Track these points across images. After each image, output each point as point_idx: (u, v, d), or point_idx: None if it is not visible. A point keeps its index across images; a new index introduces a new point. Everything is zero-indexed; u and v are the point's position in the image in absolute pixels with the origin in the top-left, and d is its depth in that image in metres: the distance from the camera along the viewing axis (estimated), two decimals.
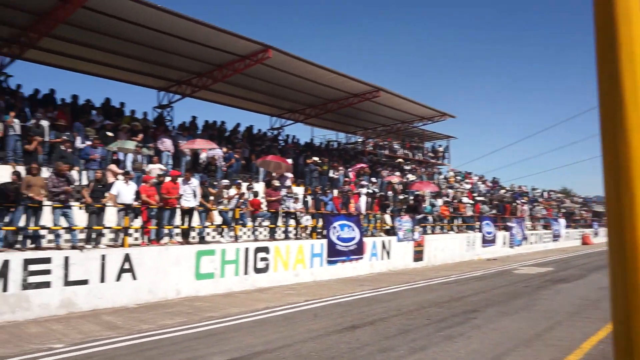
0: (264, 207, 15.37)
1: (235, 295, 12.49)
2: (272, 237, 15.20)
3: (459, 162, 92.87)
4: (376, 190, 22.34)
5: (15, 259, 9.27)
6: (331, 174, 23.14)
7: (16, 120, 13.85)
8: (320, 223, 16.45)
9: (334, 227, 16.30)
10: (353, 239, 16.98)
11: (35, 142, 13.24)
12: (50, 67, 19.83)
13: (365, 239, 17.57)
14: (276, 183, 16.12)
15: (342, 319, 9.67)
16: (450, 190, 29.68)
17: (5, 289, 9.09)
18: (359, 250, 17.17)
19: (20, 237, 10.25)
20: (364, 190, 20.26)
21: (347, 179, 23.01)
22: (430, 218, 22.76)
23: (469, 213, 26.02)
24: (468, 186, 34.16)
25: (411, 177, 28.93)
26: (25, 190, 9.98)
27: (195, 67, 20.48)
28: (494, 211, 28.84)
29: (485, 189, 36.29)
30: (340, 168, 24.02)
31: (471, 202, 27.40)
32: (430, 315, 10.00)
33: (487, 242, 25.53)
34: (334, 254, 16.16)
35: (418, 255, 20.24)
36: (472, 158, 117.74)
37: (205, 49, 18.52)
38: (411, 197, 22.73)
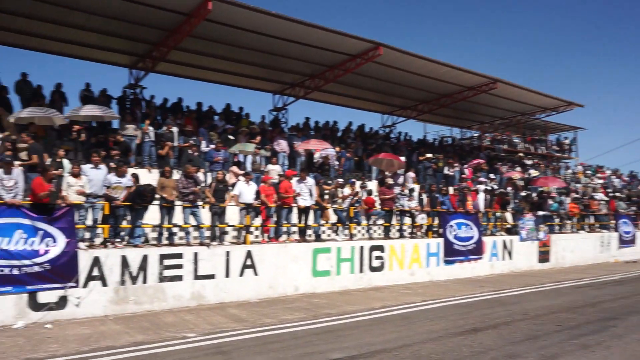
0: (378, 205, 15.29)
1: (351, 293, 12.55)
2: (386, 235, 15.07)
3: (589, 155, 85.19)
4: (495, 187, 21.23)
5: (153, 253, 10.16)
6: (446, 170, 22.42)
7: (150, 128, 15.23)
8: (436, 221, 15.98)
9: (451, 226, 15.75)
10: (471, 238, 16.27)
11: (167, 147, 14.42)
12: (177, 77, 21.50)
13: (484, 238, 16.76)
14: (389, 181, 15.95)
15: (462, 321, 9.29)
16: (578, 186, 27.29)
17: (145, 281, 9.99)
18: (477, 250, 16.42)
19: (156, 234, 11.22)
20: (482, 187, 19.34)
21: (463, 175, 22.16)
22: (557, 216, 21.10)
23: (604, 211, 23.68)
24: (600, 181, 31.19)
25: (534, 172, 27.05)
26: (159, 192, 10.89)
27: (308, 69, 20.98)
28: (633, 208, 25.99)
29: (622, 183, 32.81)
30: (456, 164, 23.19)
31: (605, 198, 24.93)
32: (562, 321, 9.23)
33: (625, 242, 23.06)
34: (451, 253, 15.61)
35: (544, 256, 18.86)
36: (603, 150, 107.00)
37: (317, 50, 18.90)
38: (534, 194, 21.25)
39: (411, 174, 19.86)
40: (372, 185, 17.79)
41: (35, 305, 8.86)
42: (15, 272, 8.71)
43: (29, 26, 16.05)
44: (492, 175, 23.62)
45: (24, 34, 16.58)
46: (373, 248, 13.75)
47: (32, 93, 15.31)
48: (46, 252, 9.04)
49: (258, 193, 12.41)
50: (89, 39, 17.23)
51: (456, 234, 15.83)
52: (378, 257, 13.81)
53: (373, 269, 13.67)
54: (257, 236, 13.14)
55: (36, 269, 8.89)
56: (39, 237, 9.01)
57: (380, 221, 15.29)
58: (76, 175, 9.95)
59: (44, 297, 8.93)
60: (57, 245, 9.15)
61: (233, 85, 22.99)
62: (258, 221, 12.81)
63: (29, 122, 12.23)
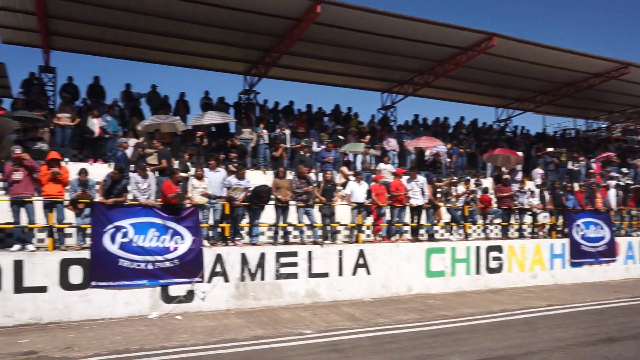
0: (494, 203, 14.55)
1: (467, 294, 12.07)
2: (504, 235, 14.29)
3: None
4: (630, 182, 19.21)
5: (270, 251, 10.57)
6: (570, 165, 20.73)
7: (265, 131, 15.89)
8: (561, 220, 14.83)
9: (578, 225, 14.52)
10: (602, 238, 14.87)
11: (280, 149, 14.95)
12: (287, 81, 22.22)
13: (617, 239, 15.24)
14: (506, 178, 15.09)
15: (595, 329, 8.51)
16: None
17: (262, 278, 10.42)
18: (609, 252, 14.96)
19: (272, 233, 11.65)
20: (613, 183, 17.61)
21: (590, 170, 20.34)
22: None
23: None
24: None
25: None
26: (274, 192, 11.30)
27: (416, 65, 20.57)
28: None
29: None
30: (581, 159, 21.36)
31: None
32: None
33: None
34: (579, 255, 14.38)
35: None
36: None
37: (425, 45, 18.45)
38: None
39: (539, 170, 18.66)
40: (487, 182, 16.97)
41: (167, 298, 9.63)
42: (150, 266, 9.54)
43: (156, 42, 17.56)
44: (624, 170, 21.41)
45: (153, 49, 18.18)
46: (490, 248, 13.10)
47: (160, 103, 16.72)
48: (175, 249, 9.79)
49: (369, 192, 12.38)
50: (208, 49, 18.41)
51: (584, 234, 14.57)
52: (496, 258, 13.14)
53: (490, 270, 13.03)
54: (368, 235, 13.13)
55: (167, 264, 9.67)
56: (169, 235, 9.79)
57: (498, 220, 14.53)
58: (200, 177, 10.64)
59: (174, 290, 9.68)
60: (185, 242, 9.88)
61: (341, 86, 23.26)
62: (369, 220, 12.79)
63: (154, 129, 13.34)
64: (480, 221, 14.55)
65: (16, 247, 9.18)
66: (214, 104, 17.78)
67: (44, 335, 7.95)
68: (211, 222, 10.84)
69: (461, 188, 14.06)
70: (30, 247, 9.24)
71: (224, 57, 19.19)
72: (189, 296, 9.78)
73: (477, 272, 12.85)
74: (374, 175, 13.96)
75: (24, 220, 9.42)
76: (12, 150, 9.72)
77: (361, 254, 11.47)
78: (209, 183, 10.73)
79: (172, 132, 14.35)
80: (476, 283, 12.80)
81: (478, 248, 12.93)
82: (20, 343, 7.51)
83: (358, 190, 12.20)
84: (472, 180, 15.53)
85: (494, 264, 13.10)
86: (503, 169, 16.85)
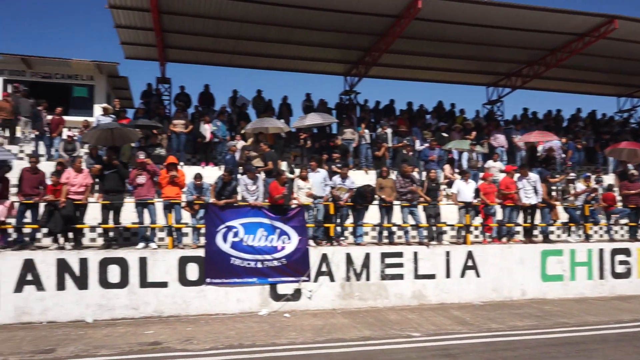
0: (619, 202, 13.25)
1: (589, 301, 11.10)
2: (632, 237, 12.95)
3: None
4: None
5: (375, 252, 10.48)
6: None
7: (366, 131, 15.84)
8: None
9: None
10: None
11: (383, 148, 14.80)
12: (387, 79, 21.99)
13: None
14: (633, 173, 13.68)
15: None
16: None
17: (368, 278, 10.37)
18: None
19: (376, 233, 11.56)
20: None
21: None
22: None
23: None
24: None
25: None
26: (378, 192, 11.19)
27: (524, 56, 19.34)
28: None
29: None
30: None
31: None
32: None
33: None
34: None
35: None
36: None
37: (534, 34, 17.27)
38: None
39: None
40: (609, 179, 15.52)
41: (275, 296, 9.91)
42: (259, 265, 9.88)
43: (261, 48, 18.23)
44: None
45: (257, 56, 18.91)
46: (616, 251, 11.96)
47: (265, 107, 17.31)
48: (282, 248, 10.05)
49: (477, 191, 11.84)
50: (309, 53, 18.76)
51: None
52: (622, 262, 11.97)
53: (616, 276, 11.90)
54: (476, 236, 12.57)
55: (275, 263, 9.95)
56: (277, 234, 10.07)
57: (624, 220, 13.21)
58: (304, 178, 10.84)
59: (282, 288, 9.94)
60: (291, 242, 10.11)
61: (443, 82, 22.55)
62: (478, 220, 12.23)
63: (259, 132, 13.80)
64: (603, 221, 13.34)
65: (140, 245, 9.97)
66: (315, 106, 18.07)
67: (166, 328, 8.51)
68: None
69: (580, 186, 12.98)
70: (152, 245, 9.99)
71: (324, 59, 19.43)
72: (296, 295, 9.99)
73: (601, 277, 11.79)
74: (481, 174, 13.34)
75: (146, 220, 10.21)
76: (136, 155, 10.57)
77: (470, 255, 11.00)
78: (312, 184, 10.87)
79: (277, 134, 14.79)
80: (600, 289, 11.74)
81: (601, 251, 11.86)
82: (145, 334, 8.11)
83: (465, 189, 11.71)
84: (593, 177, 14.29)
85: (620, 269, 11.94)
86: (629, 164, 15.31)
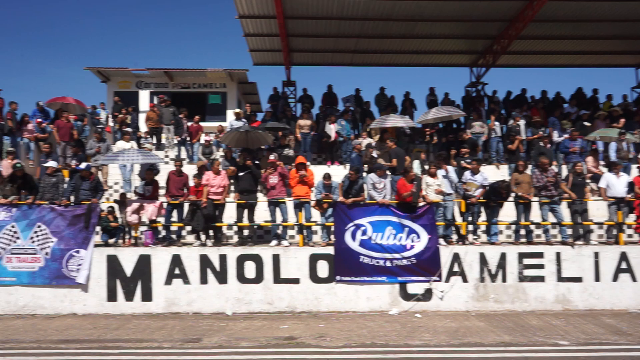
0: None
1: None
2: None
3: None
4: None
5: (511, 252, 9.82)
6: None
7: (496, 123, 14.93)
8: None
9: None
10: None
11: (517, 141, 13.86)
12: (516, 68, 20.59)
13: None
14: None
15: None
16: None
17: (504, 280, 9.74)
18: None
19: (512, 232, 10.82)
20: None
21: None
22: None
23: None
24: None
25: None
26: (514, 188, 10.47)
27: None
28: None
29: None
30: None
31: None
32: None
33: None
34: None
35: None
36: None
37: None
38: None
39: None
40: None
41: (405, 295, 9.71)
42: (388, 264, 9.75)
43: (382, 45, 18.12)
44: None
45: (379, 53, 18.81)
46: None
47: (388, 103, 17.13)
48: (412, 247, 9.82)
49: (631, 185, 10.55)
50: (432, 45, 18.26)
51: None
52: None
53: None
54: (630, 235, 11.23)
55: (404, 262, 9.76)
56: (405, 233, 9.87)
57: None
58: (433, 175, 10.48)
59: (412, 288, 9.72)
60: (421, 241, 9.84)
61: (582, 66, 20.74)
62: (632, 218, 10.90)
63: (384, 130, 13.62)
64: None
65: (273, 242, 10.38)
66: (439, 100, 17.48)
67: (299, 323, 8.74)
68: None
69: None
70: (284, 242, 10.35)
71: (448, 51, 18.81)
72: (427, 295, 9.70)
73: None
74: (634, 165, 11.89)
75: (278, 218, 10.61)
76: (267, 156, 11.04)
77: (623, 256, 9.84)
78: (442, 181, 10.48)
79: (402, 131, 14.53)
80: None
81: None
82: (281, 329, 8.40)
83: (616, 183, 10.49)
84: None
85: None
86: None
